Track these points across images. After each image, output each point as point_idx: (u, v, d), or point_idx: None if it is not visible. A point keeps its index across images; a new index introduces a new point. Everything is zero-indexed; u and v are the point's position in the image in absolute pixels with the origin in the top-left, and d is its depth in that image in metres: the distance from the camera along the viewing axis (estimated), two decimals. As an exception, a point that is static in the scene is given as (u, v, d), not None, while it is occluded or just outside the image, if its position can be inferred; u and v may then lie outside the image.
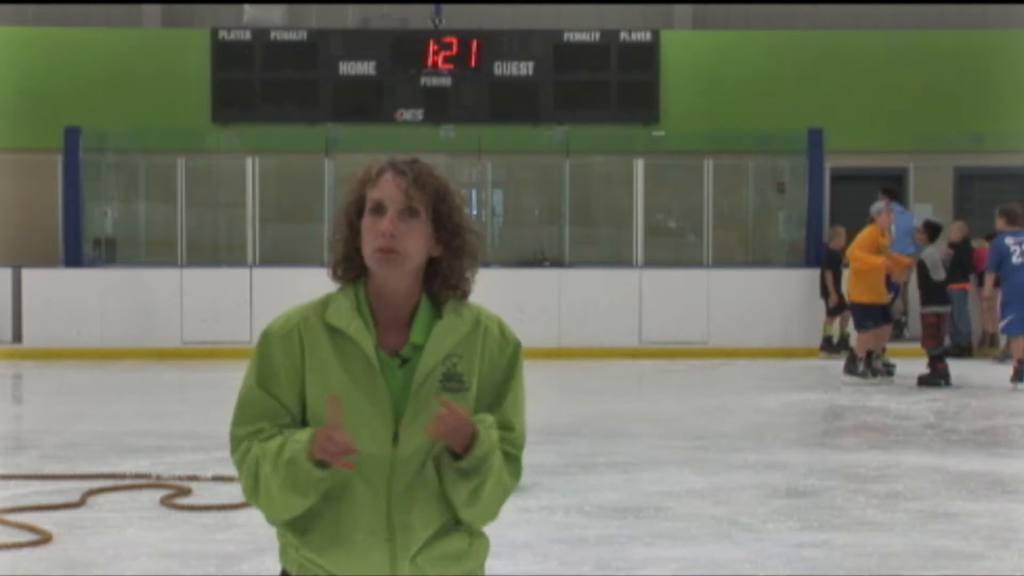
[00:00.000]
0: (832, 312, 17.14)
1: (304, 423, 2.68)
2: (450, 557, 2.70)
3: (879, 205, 14.81)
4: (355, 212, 2.68)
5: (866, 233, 14.51)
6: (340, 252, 2.70)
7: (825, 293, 17.22)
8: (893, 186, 18.06)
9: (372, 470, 2.64)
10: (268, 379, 2.68)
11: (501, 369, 2.73)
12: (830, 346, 17.21)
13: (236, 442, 2.70)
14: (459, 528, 2.72)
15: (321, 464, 2.58)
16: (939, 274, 14.34)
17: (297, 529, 2.69)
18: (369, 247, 2.63)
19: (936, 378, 14.01)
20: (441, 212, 2.66)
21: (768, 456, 9.60)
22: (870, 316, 14.40)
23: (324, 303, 2.71)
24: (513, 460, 2.72)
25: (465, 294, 2.73)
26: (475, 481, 2.63)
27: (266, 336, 2.71)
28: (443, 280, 2.69)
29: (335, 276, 2.72)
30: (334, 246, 2.71)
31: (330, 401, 2.56)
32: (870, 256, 14.29)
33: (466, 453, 2.61)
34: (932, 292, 14.38)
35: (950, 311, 15.18)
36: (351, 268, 2.70)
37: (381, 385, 2.64)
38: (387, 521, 2.65)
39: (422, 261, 2.67)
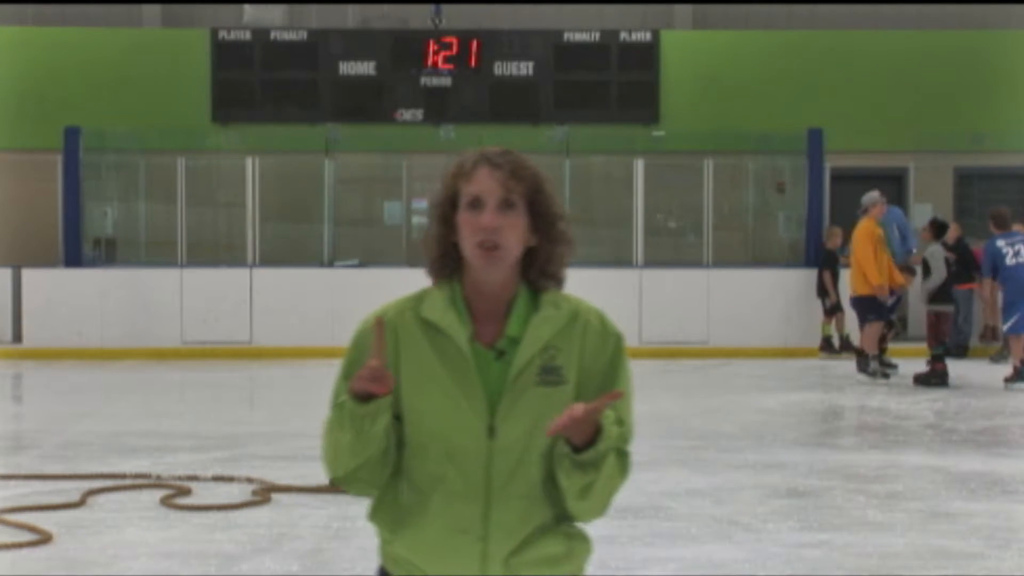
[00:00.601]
0: (829, 312, 17.13)
1: (397, 417, 2.65)
2: (547, 561, 2.66)
3: (872, 195, 14.63)
4: (449, 208, 2.66)
5: (862, 227, 14.45)
6: (436, 250, 2.67)
7: (822, 293, 17.22)
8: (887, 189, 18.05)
9: (468, 463, 2.62)
10: (356, 372, 2.65)
11: (604, 363, 2.71)
12: (829, 346, 17.20)
13: None
14: (558, 530, 2.68)
15: (361, 399, 2.56)
16: (939, 275, 14.34)
17: (391, 524, 2.68)
18: (470, 242, 2.61)
19: (932, 378, 14.00)
20: (538, 202, 2.64)
21: (768, 456, 9.60)
22: (872, 310, 14.38)
23: (420, 298, 2.70)
24: (623, 456, 2.69)
25: (560, 282, 2.71)
26: (591, 475, 2.60)
27: (360, 331, 2.70)
28: (540, 269, 2.67)
29: (432, 273, 2.70)
30: (427, 244, 2.69)
31: (375, 327, 2.55)
32: (872, 257, 14.25)
33: (588, 447, 2.58)
34: (933, 292, 14.39)
35: (953, 311, 15.16)
36: (448, 264, 2.67)
37: (474, 378, 2.62)
38: (483, 518, 2.62)
39: (520, 253, 2.65)
